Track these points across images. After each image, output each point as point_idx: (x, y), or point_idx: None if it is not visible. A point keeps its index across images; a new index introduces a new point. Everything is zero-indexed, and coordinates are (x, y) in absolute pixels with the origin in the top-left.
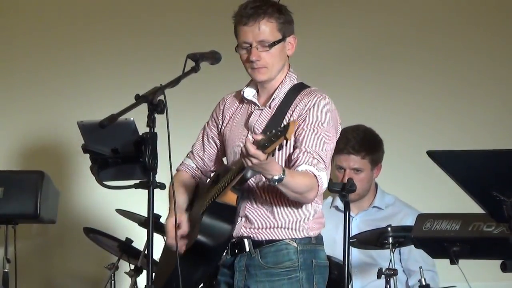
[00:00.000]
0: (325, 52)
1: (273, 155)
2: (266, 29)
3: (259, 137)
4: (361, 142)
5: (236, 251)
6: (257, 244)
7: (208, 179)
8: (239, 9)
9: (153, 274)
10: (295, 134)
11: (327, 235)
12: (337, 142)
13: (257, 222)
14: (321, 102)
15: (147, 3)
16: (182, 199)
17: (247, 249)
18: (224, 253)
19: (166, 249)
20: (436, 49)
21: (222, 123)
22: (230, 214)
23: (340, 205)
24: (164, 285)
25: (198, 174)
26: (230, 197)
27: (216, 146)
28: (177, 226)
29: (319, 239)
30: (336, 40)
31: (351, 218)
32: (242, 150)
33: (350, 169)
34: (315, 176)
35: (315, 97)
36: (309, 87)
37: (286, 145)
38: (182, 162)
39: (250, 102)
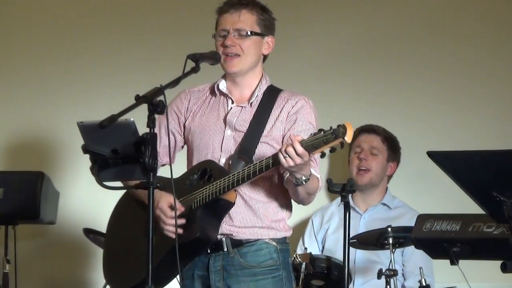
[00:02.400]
0: (326, 50)
1: (322, 156)
2: (245, 19)
3: (299, 137)
4: (383, 129)
5: (209, 250)
6: (235, 243)
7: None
8: (224, 2)
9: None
10: (284, 136)
11: (335, 231)
12: (358, 128)
13: (238, 219)
14: (308, 105)
15: (147, 3)
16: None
17: (225, 249)
18: None
19: (138, 236)
20: (437, 47)
21: (187, 118)
22: (226, 210)
23: (350, 200)
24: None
25: None
26: (231, 194)
27: (175, 138)
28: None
29: (289, 240)
30: (337, 38)
31: (359, 216)
32: (287, 150)
33: (368, 148)
34: (318, 178)
35: (301, 99)
36: (282, 89)
37: (342, 147)
38: None
39: (224, 95)
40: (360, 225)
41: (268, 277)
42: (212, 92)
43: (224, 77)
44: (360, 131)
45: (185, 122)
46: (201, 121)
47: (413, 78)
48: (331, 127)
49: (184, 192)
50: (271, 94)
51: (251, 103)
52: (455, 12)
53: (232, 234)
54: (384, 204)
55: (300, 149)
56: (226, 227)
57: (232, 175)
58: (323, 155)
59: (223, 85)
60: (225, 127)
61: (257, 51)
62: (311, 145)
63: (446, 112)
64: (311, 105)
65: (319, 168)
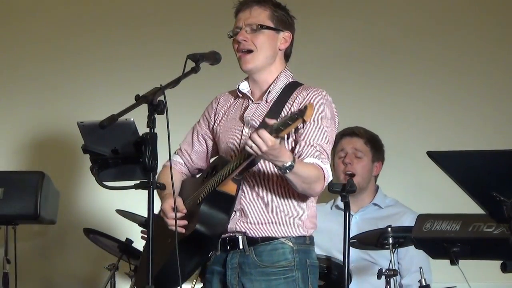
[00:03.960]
0: (325, 53)
1: (288, 138)
2: (257, 14)
3: (271, 121)
4: (364, 131)
5: (228, 247)
6: (251, 241)
7: (198, 175)
8: (239, 2)
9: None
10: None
11: (328, 234)
12: (339, 133)
13: (253, 216)
14: (320, 96)
15: (148, 4)
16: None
17: (241, 247)
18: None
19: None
20: (435, 49)
21: (215, 121)
22: (229, 204)
23: (341, 204)
24: (157, 274)
25: (184, 170)
26: (230, 187)
27: (206, 143)
28: (176, 209)
29: (311, 240)
30: (333, 42)
31: (350, 217)
32: (252, 137)
33: (352, 151)
34: (322, 168)
35: (314, 91)
36: (303, 84)
37: (303, 127)
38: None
39: (245, 96)
40: (351, 226)
41: (280, 277)
42: (236, 94)
43: (247, 78)
44: (342, 135)
45: (213, 126)
46: (225, 123)
47: (414, 79)
48: (299, 109)
49: (195, 190)
50: (290, 90)
51: (266, 99)
52: (454, 15)
53: (246, 232)
54: (375, 204)
55: (263, 135)
56: (240, 225)
57: (228, 166)
58: (289, 136)
59: (243, 85)
60: (243, 125)
61: (272, 46)
62: (277, 127)
63: (446, 113)
64: (324, 96)
65: (328, 160)
